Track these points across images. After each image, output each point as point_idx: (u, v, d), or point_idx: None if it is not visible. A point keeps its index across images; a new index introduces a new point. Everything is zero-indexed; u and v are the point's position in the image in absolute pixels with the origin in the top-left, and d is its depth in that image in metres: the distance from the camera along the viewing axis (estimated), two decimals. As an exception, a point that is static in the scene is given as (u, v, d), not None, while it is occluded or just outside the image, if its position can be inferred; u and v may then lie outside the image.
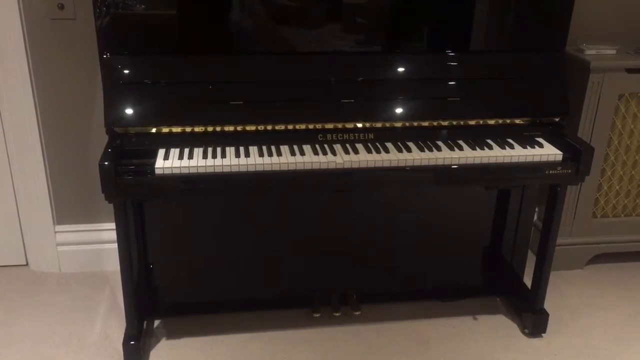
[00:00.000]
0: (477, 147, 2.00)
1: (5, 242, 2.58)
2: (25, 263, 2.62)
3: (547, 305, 2.27)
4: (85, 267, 2.59)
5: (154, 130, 1.92)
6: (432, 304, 2.42)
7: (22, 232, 2.56)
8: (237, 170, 1.84)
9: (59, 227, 2.55)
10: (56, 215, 2.54)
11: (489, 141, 2.04)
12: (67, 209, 2.53)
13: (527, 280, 2.34)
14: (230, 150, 1.91)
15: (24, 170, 2.43)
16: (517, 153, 1.98)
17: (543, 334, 2.28)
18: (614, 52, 2.43)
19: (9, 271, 2.60)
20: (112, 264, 2.45)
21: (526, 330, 2.29)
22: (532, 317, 2.26)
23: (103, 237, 2.56)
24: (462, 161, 1.95)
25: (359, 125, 2.01)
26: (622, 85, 2.39)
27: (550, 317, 2.26)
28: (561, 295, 2.51)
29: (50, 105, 2.36)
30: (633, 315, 2.43)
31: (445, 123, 2.05)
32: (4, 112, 2.34)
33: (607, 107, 2.41)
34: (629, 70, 2.38)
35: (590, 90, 2.37)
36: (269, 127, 1.97)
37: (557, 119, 2.12)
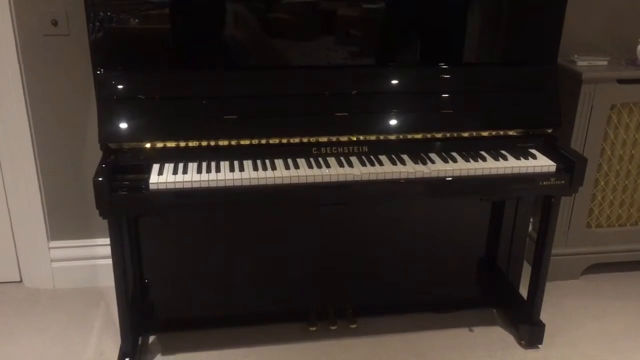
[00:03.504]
0: (470, 159, 2.01)
1: (-2, 259, 2.57)
2: (19, 280, 2.61)
3: (543, 316, 2.27)
4: (80, 283, 2.58)
5: (148, 145, 1.92)
6: (428, 316, 2.41)
7: (16, 249, 2.55)
8: (232, 184, 1.84)
9: (53, 243, 2.54)
10: (50, 231, 2.53)
11: (483, 153, 2.05)
12: (61, 224, 2.52)
13: (523, 291, 2.33)
14: (224, 165, 1.91)
15: (17, 186, 2.42)
16: (511, 164, 1.99)
17: (540, 345, 2.28)
18: (605, 63, 2.45)
19: (3, 288, 2.58)
20: (107, 279, 2.45)
21: (522, 342, 2.28)
22: (528, 328, 2.26)
23: (97, 252, 2.54)
24: (456, 173, 1.95)
25: (353, 138, 2.02)
26: (614, 96, 2.40)
27: (546, 328, 2.26)
28: (557, 306, 2.51)
29: (44, 121, 2.35)
30: (629, 325, 2.43)
31: (439, 135, 2.07)
32: (-3, 128, 2.35)
33: (600, 118, 2.42)
34: (621, 81, 2.39)
35: (582, 101, 2.38)
36: (263, 141, 1.97)
37: (549, 130, 2.13)
